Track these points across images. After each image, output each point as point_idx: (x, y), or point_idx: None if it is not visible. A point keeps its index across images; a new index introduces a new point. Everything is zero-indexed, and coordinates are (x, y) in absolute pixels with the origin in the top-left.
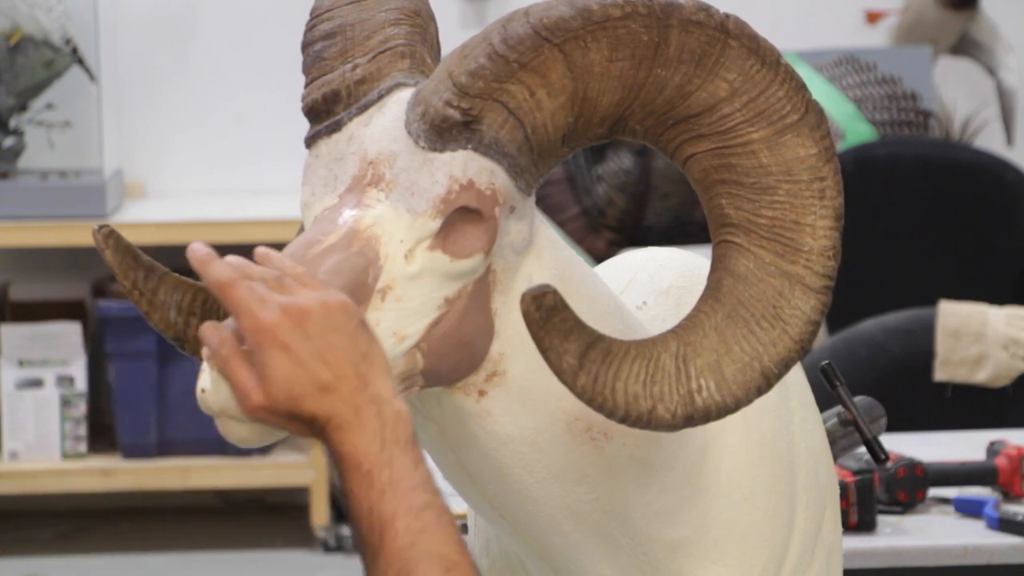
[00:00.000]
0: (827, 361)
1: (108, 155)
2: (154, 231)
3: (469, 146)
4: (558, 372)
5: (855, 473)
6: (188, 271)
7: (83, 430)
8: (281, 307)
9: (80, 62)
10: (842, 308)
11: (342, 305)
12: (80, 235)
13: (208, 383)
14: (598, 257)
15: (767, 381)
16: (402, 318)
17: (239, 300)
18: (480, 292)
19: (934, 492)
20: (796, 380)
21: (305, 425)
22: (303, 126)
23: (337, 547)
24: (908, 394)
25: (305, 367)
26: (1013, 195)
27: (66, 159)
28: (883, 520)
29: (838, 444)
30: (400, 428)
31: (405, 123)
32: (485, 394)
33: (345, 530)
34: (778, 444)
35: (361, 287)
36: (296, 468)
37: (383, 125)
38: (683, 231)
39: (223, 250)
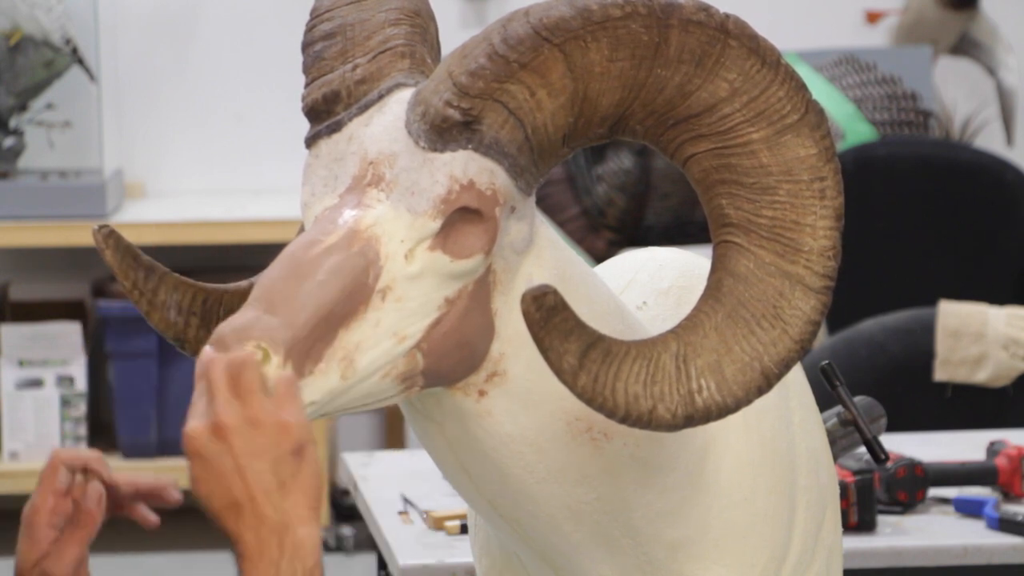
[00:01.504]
0: (827, 361)
1: (108, 155)
2: (154, 231)
3: (469, 146)
4: (558, 372)
5: (855, 473)
6: (188, 271)
7: (83, 430)
8: (206, 418)
9: (80, 62)
10: (842, 308)
11: (277, 427)
12: (80, 235)
13: None
14: (598, 257)
15: (767, 381)
16: (402, 318)
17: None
18: (480, 292)
19: (934, 492)
20: (796, 380)
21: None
22: (303, 126)
23: (337, 547)
24: (908, 394)
25: (219, 481)
26: (1013, 195)
27: (66, 159)
28: (883, 520)
29: (838, 444)
30: (299, 559)
31: (405, 123)
32: (485, 394)
33: (345, 530)
34: (778, 444)
35: (361, 287)
36: None
37: (383, 125)
38: (683, 231)
39: (223, 250)
